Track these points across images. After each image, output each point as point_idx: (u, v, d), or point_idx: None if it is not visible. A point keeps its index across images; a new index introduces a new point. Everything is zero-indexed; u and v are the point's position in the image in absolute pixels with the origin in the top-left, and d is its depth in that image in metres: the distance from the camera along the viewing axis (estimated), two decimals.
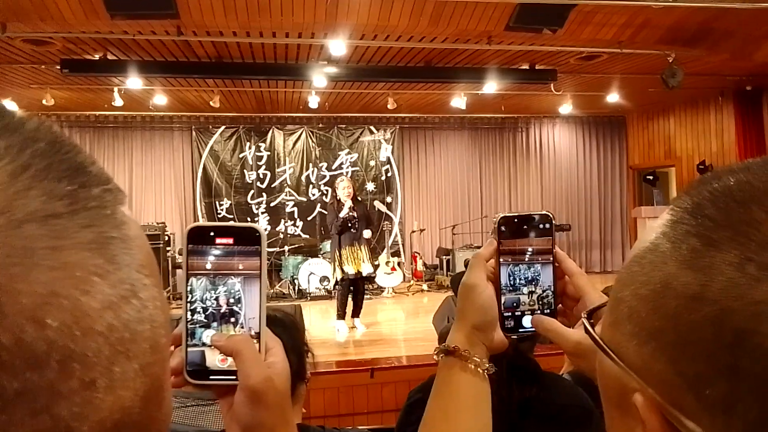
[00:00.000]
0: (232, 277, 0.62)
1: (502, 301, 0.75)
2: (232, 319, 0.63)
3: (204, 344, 0.63)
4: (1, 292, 0.25)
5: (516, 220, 0.75)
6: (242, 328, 0.63)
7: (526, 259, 0.75)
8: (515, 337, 0.76)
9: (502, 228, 0.75)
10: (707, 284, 0.33)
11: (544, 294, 0.75)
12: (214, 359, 0.62)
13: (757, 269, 0.31)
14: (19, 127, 0.30)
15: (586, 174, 11.99)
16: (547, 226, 0.75)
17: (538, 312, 0.75)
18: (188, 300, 0.62)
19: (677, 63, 6.96)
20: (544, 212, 0.76)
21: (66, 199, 0.29)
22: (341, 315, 6.78)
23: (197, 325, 0.63)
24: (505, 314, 0.75)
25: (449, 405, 0.73)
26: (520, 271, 0.75)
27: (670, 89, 7.14)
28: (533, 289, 0.75)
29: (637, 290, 0.38)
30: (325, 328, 7.09)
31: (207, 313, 0.63)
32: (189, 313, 0.62)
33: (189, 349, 0.63)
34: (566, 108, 9.76)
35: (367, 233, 6.70)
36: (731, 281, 0.32)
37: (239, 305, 0.63)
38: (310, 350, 1.57)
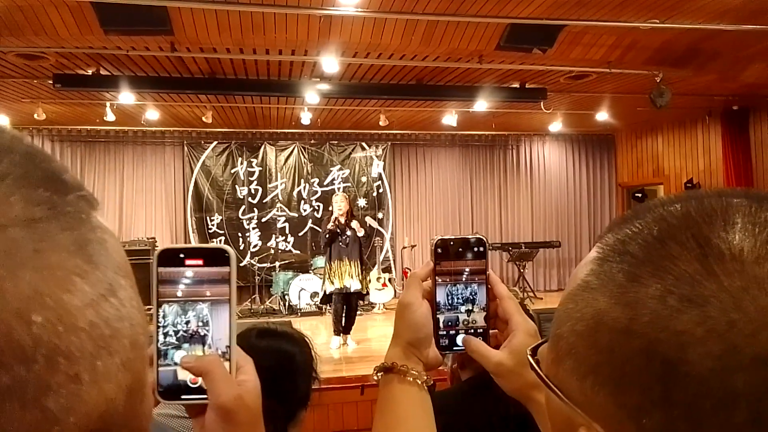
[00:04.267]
0: (203, 297, 0.62)
1: (437, 320, 0.77)
2: (202, 339, 0.63)
3: (175, 364, 0.63)
4: None
5: (452, 243, 0.77)
6: (213, 347, 0.62)
7: (461, 281, 0.77)
8: (449, 353, 0.78)
9: (439, 250, 0.77)
10: (634, 318, 0.34)
11: (477, 314, 0.77)
12: (186, 379, 0.62)
13: (678, 301, 0.33)
14: None
15: (575, 191, 12.06)
16: (482, 249, 0.77)
17: (471, 331, 0.77)
18: (159, 321, 0.62)
19: (665, 83, 7.04)
20: (478, 236, 0.78)
21: (44, 204, 0.30)
22: (336, 331, 6.76)
23: (168, 346, 0.63)
24: (440, 332, 0.77)
25: (391, 418, 0.74)
26: (454, 291, 0.77)
27: (659, 109, 7.22)
28: (467, 309, 0.77)
29: (574, 327, 0.39)
30: (315, 345, 7.04)
31: (178, 334, 0.63)
32: (160, 333, 0.62)
33: (160, 368, 0.62)
34: (556, 126, 9.85)
35: (354, 223, 6.67)
36: (655, 314, 0.33)
37: (209, 326, 0.62)
38: (317, 377, 1.56)
